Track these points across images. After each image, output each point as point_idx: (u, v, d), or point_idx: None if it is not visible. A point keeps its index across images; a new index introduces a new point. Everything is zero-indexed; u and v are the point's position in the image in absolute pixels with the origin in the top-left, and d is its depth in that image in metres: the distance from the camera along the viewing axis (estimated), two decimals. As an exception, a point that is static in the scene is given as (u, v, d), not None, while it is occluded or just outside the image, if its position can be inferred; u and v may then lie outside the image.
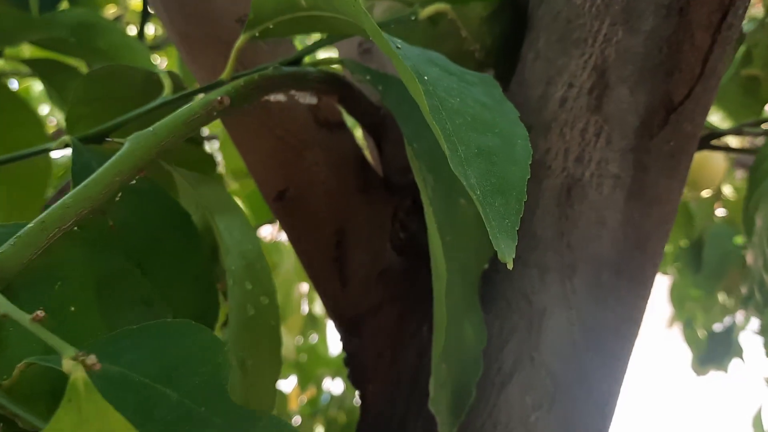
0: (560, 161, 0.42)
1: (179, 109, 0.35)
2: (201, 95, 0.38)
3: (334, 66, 0.43)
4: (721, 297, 1.56)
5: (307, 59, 0.42)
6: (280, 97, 0.40)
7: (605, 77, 0.42)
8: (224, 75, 0.40)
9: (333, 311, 0.48)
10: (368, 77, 0.41)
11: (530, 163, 0.29)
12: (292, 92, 0.40)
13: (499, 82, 0.36)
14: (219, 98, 0.35)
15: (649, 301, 0.46)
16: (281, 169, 0.47)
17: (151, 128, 0.33)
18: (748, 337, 1.60)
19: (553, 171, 0.43)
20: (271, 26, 0.39)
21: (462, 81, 0.34)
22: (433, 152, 0.39)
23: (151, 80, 0.45)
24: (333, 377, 1.42)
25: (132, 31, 1.23)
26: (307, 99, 0.42)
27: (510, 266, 0.25)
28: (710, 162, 1.03)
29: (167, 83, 0.43)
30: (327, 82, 0.42)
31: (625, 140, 0.42)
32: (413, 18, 0.43)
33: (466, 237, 0.40)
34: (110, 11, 1.23)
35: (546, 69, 0.44)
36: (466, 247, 0.40)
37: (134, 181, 0.35)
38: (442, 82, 0.32)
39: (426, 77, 0.31)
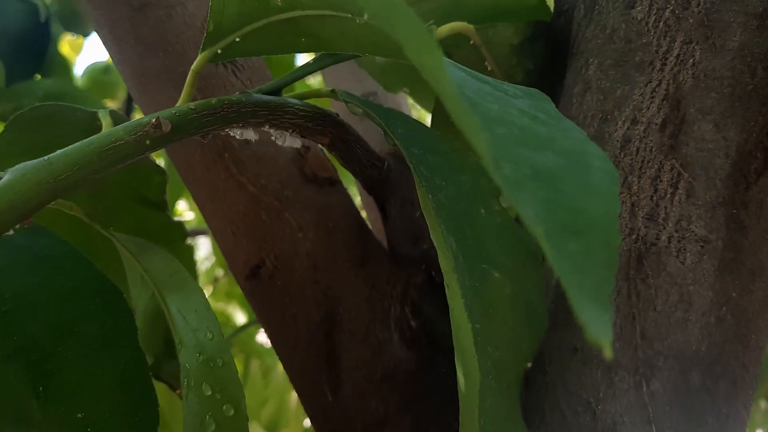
0: (626, 220, 0.32)
1: (93, 136, 0.24)
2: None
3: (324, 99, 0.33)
4: (764, 404, 1.40)
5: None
6: (250, 134, 0.30)
7: (681, 109, 0.31)
8: (178, 104, 0.30)
9: (320, 427, 0.36)
10: (367, 110, 0.30)
11: (618, 192, 0.18)
12: (268, 129, 0.30)
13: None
14: (153, 120, 0.25)
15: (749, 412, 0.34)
16: (256, 237, 0.36)
17: (46, 157, 0.23)
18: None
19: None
20: (237, 40, 0.29)
21: (498, 90, 0.23)
22: (457, 207, 0.28)
23: (95, 124, 0.35)
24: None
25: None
26: (287, 141, 0.32)
27: (608, 353, 0.14)
28: None
29: (106, 123, 0.33)
30: (314, 119, 0.32)
31: (713, 191, 0.31)
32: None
33: (503, 324, 0.29)
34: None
35: (600, 103, 0.33)
36: (503, 337, 0.29)
37: (43, 246, 0.25)
38: (470, 84, 0.22)
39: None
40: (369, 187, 0.37)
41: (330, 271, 0.36)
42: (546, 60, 0.39)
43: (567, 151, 0.20)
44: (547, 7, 0.34)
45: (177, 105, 0.30)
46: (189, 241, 0.42)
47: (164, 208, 0.42)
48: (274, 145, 0.38)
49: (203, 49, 0.29)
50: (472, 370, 0.24)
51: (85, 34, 0.97)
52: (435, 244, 0.27)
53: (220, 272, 1.30)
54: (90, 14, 0.39)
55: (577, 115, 0.34)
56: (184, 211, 1.45)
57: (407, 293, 0.35)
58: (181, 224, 0.43)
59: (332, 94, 0.33)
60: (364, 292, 0.36)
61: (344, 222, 0.37)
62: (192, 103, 0.27)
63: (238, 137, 0.30)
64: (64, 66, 0.86)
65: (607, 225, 0.17)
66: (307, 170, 0.37)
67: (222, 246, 0.38)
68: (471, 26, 0.34)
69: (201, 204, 0.38)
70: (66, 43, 1.31)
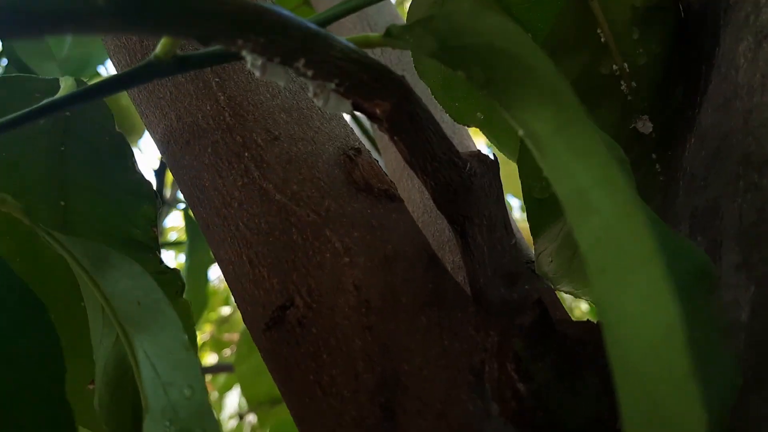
0: None
1: None
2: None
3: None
4: None
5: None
6: (277, 74, 0.20)
7: None
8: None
9: None
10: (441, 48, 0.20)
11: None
12: (304, 69, 0.20)
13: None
14: None
15: None
16: (282, 265, 0.25)
17: None
18: None
19: None
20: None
21: None
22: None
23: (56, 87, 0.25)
24: None
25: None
26: (331, 102, 0.22)
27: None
28: None
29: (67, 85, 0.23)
30: (369, 69, 0.22)
31: None
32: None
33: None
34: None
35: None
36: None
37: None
38: None
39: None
40: (443, 197, 0.26)
41: (388, 312, 0.24)
42: (677, 40, 0.29)
43: None
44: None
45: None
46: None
47: (154, 248, 0.31)
48: (311, 142, 0.27)
49: None
50: None
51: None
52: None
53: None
54: None
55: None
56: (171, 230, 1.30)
57: (508, 343, 0.23)
58: (176, 273, 0.32)
59: (388, 39, 0.23)
60: (440, 343, 0.24)
61: (408, 248, 0.26)
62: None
63: (258, 74, 0.20)
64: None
65: None
66: (358, 177, 0.27)
67: (234, 284, 0.27)
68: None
69: (207, 225, 0.28)
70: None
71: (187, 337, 0.19)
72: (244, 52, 0.19)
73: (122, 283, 0.21)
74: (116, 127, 0.30)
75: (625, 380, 0.12)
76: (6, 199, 0.23)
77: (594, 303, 0.14)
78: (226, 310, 1.94)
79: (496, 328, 0.24)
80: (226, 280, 0.28)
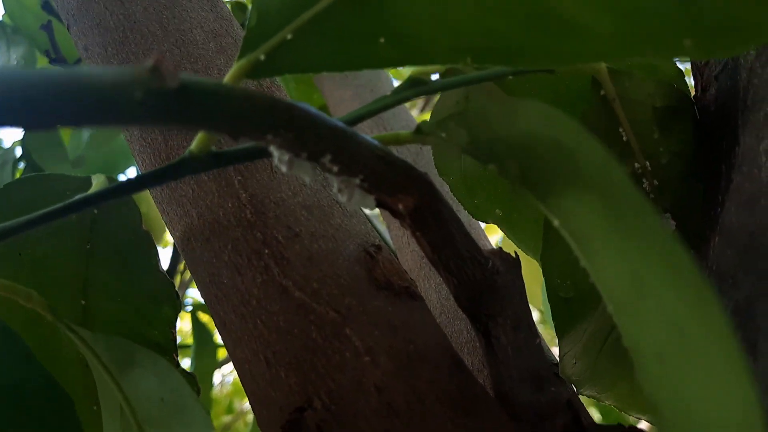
0: None
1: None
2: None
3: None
4: None
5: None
6: (304, 169, 0.20)
7: None
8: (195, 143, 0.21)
9: None
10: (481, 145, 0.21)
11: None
12: (330, 166, 0.20)
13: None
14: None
15: None
16: (301, 366, 0.24)
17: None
18: None
19: None
20: (289, 37, 0.20)
21: None
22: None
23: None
24: None
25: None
26: (355, 198, 0.22)
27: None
28: None
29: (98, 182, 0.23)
30: (394, 166, 0.22)
31: None
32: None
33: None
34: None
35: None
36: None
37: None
38: None
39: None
40: (466, 296, 0.26)
41: (413, 416, 0.23)
42: (696, 139, 0.29)
43: None
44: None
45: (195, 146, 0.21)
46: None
47: (172, 350, 0.31)
48: (332, 239, 0.27)
49: (241, 56, 0.20)
50: None
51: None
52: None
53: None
54: None
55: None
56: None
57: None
58: (192, 377, 0.31)
59: (418, 136, 0.23)
60: (468, 451, 0.22)
61: (432, 348, 0.25)
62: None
63: (284, 169, 0.20)
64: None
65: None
66: (378, 274, 0.26)
67: (249, 384, 0.26)
68: (604, 66, 0.25)
69: (224, 323, 0.27)
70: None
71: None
72: (272, 148, 0.20)
73: (146, 381, 0.20)
74: (142, 225, 0.30)
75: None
76: (32, 295, 0.23)
77: (647, 396, 0.13)
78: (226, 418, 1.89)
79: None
80: (241, 381, 0.27)
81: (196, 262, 0.28)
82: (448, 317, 0.41)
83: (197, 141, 0.20)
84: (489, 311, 0.26)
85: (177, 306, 0.32)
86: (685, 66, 0.37)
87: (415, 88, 0.23)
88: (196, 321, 0.95)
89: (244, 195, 0.28)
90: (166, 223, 0.30)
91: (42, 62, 0.93)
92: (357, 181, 0.21)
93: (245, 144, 0.21)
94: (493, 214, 0.37)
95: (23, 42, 0.94)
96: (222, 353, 1.08)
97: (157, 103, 0.15)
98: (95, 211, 0.30)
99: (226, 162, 0.21)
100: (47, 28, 0.65)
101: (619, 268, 0.14)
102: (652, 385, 0.13)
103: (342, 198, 0.22)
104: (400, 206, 0.23)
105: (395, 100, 0.23)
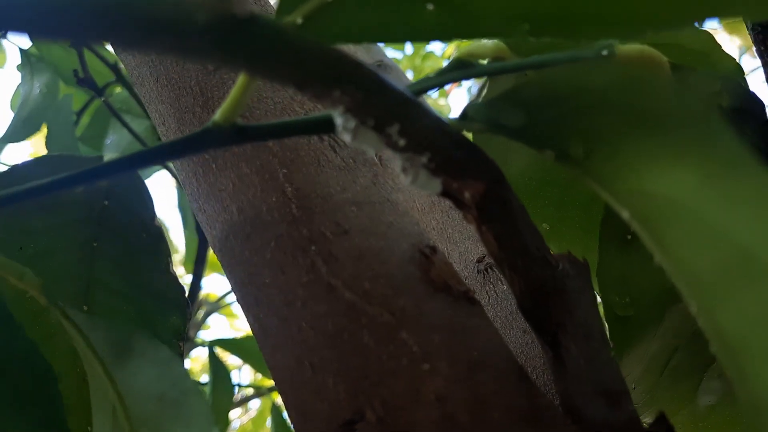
0: None
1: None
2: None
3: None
4: None
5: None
6: (368, 139, 0.18)
7: None
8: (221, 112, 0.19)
9: None
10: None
11: None
12: (396, 138, 0.18)
13: None
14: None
15: None
16: (350, 373, 0.22)
17: None
18: None
19: None
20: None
21: None
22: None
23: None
24: None
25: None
26: (421, 178, 0.20)
27: None
28: None
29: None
30: (463, 147, 0.20)
31: None
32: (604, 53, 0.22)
33: None
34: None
35: None
36: None
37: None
38: None
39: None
40: (533, 300, 0.23)
41: (478, 429, 0.20)
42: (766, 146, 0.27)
43: None
44: None
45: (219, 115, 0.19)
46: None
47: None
48: (384, 237, 0.25)
49: (276, 19, 0.19)
50: None
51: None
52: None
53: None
54: None
55: None
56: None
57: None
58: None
59: (463, 123, 0.21)
60: (543, 470, 0.20)
61: (495, 356, 0.23)
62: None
63: (348, 139, 0.18)
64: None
65: None
66: (435, 276, 0.24)
67: (290, 396, 0.23)
68: (666, 60, 0.23)
69: (263, 329, 0.25)
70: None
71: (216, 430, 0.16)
72: (336, 114, 0.18)
73: (144, 374, 0.18)
74: (155, 220, 0.28)
75: None
76: (25, 273, 0.20)
77: (746, 409, 0.11)
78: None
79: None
80: (280, 393, 0.24)
81: (234, 262, 0.26)
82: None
83: (223, 109, 0.18)
84: (558, 318, 0.24)
85: (186, 315, 0.30)
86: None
87: (461, 70, 0.21)
88: (213, 356, 0.92)
89: (289, 189, 0.25)
90: (202, 224, 0.28)
91: (65, 90, 0.93)
92: (424, 159, 0.19)
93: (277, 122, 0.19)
94: (540, 229, 0.34)
95: (47, 70, 0.94)
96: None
97: (221, 33, 0.13)
98: (105, 203, 0.28)
99: (252, 137, 0.19)
100: (77, 46, 0.65)
101: (718, 247, 0.12)
102: (749, 384, 0.11)
103: (406, 179, 0.20)
104: (467, 194, 0.21)
105: (439, 82, 0.21)
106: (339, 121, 0.18)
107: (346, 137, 0.18)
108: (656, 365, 0.32)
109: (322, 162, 0.26)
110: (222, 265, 0.27)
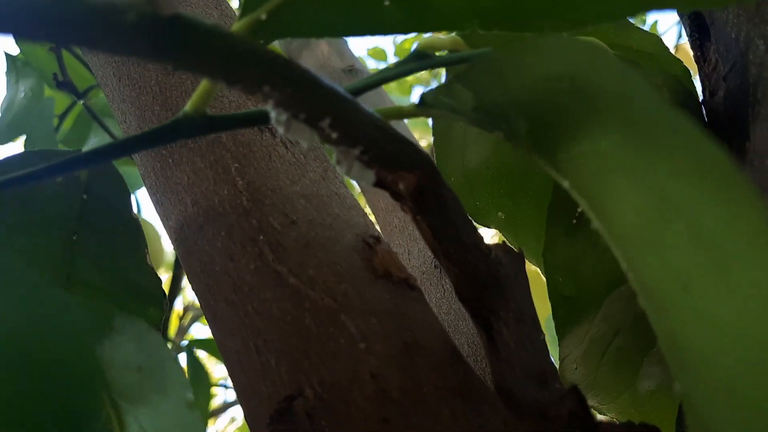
0: None
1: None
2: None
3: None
4: None
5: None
6: (302, 132, 0.19)
7: None
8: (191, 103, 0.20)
9: None
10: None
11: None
12: (329, 132, 0.19)
13: None
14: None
15: None
16: (293, 354, 0.23)
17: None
18: None
19: None
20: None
21: None
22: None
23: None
24: None
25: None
26: (355, 170, 0.21)
27: None
28: None
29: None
30: (395, 140, 0.21)
31: None
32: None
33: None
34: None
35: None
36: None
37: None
38: None
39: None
40: (467, 287, 0.25)
41: (408, 403, 0.22)
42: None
43: None
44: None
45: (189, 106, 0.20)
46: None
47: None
48: (330, 228, 0.26)
49: (242, 15, 0.20)
50: None
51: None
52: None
53: None
54: None
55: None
56: None
57: (543, 439, 0.21)
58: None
59: (421, 108, 0.22)
60: (468, 442, 0.21)
61: (430, 337, 0.24)
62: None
63: (281, 131, 0.19)
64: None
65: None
66: (377, 264, 0.26)
67: (238, 377, 0.25)
68: (610, 50, 0.25)
69: (214, 314, 0.26)
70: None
71: (191, 395, 0.17)
72: (268, 107, 0.19)
73: (123, 348, 0.19)
74: (132, 212, 0.30)
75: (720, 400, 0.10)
76: None
77: (669, 341, 0.12)
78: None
79: (527, 422, 0.21)
80: (230, 377, 0.26)
81: (188, 251, 0.27)
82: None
83: (192, 100, 0.20)
84: (491, 305, 0.25)
85: (163, 307, 0.31)
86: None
87: (419, 61, 0.22)
88: (191, 358, 0.92)
89: (240, 182, 0.27)
90: (160, 216, 0.29)
91: (49, 93, 0.94)
92: (356, 152, 0.21)
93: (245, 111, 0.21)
94: (495, 218, 0.36)
95: (32, 74, 0.95)
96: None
97: (149, 31, 0.14)
98: (84, 197, 0.29)
99: (222, 126, 0.20)
100: (57, 49, 0.66)
101: (641, 197, 0.13)
102: (672, 321, 0.12)
103: (341, 170, 0.21)
104: (401, 185, 0.22)
105: (398, 72, 0.22)
106: (272, 114, 0.19)
107: (280, 129, 0.19)
108: (597, 348, 0.33)
109: (274, 157, 0.28)
110: (178, 256, 0.29)
